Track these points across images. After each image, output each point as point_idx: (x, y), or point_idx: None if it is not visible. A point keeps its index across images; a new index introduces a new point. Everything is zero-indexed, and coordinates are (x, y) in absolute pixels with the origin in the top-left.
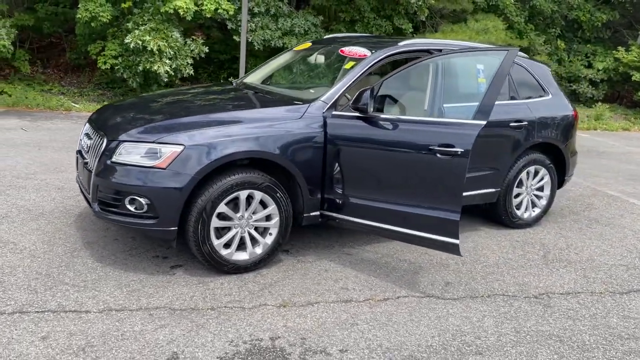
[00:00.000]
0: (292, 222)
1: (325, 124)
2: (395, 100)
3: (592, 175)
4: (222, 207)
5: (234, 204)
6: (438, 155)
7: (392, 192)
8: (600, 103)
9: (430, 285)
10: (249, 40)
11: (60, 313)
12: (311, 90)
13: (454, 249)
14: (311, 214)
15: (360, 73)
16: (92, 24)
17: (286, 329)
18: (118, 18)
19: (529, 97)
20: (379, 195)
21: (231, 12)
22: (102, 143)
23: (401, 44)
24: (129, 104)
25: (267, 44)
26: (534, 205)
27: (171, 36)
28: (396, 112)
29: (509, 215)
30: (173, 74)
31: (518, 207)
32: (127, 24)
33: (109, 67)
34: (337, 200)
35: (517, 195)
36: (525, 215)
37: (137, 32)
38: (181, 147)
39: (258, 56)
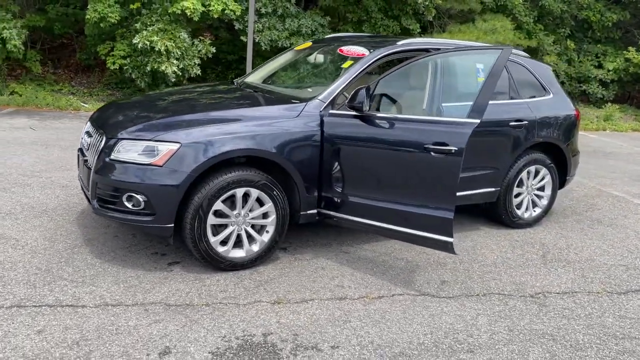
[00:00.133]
0: (289, 220)
1: (322, 123)
2: (392, 99)
3: (598, 175)
4: (218, 205)
5: (231, 202)
6: (432, 153)
7: (387, 190)
8: (610, 103)
9: (426, 283)
10: (256, 40)
11: (57, 307)
12: (309, 89)
13: (448, 247)
14: (308, 212)
15: (358, 72)
16: (101, 25)
17: (279, 325)
18: (127, 19)
19: (530, 97)
20: (375, 193)
21: (238, 13)
22: (102, 141)
23: (400, 43)
24: (130, 102)
25: (274, 44)
26: (534, 205)
27: (179, 37)
28: (394, 110)
29: (509, 214)
30: (180, 74)
31: (518, 206)
32: (136, 25)
33: (117, 68)
34: (334, 199)
35: (518, 195)
36: (526, 215)
37: (145, 32)
38: (177, 145)
39: (265, 56)
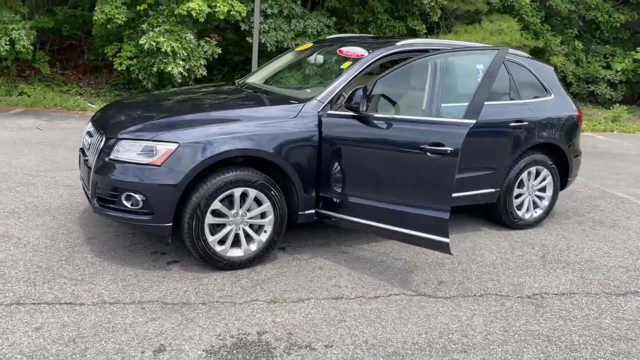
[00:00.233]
0: (288, 220)
1: (320, 123)
2: (390, 100)
3: (603, 177)
4: (216, 204)
5: (229, 202)
6: (428, 154)
7: (384, 190)
8: (618, 104)
9: (423, 283)
10: (262, 41)
11: (55, 305)
12: (307, 90)
13: (444, 248)
14: (306, 212)
15: (357, 73)
16: (108, 26)
17: (274, 324)
18: (134, 20)
19: (530, 97)
20: (372, 193)
21: (244, 14)
22: (101, 140)
23: (399, 44)
24: (129, 102)
25: (279, 45)
26: (535, 206)
27: (185, 38)
28: (392, 111)
29: (510, 215)
30: (186, 75)
31: (519, 207)
32: (142, 26)
33: (124, 69)
34: (332, 199)
35: (518, 196)
36: (527, 216)
37: (151, 33)
38: (175, 145)
39: (271, 57)
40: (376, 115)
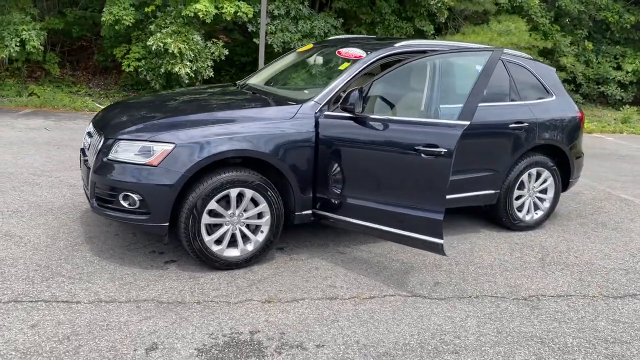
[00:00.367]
0: (285, 220)
1: (317, 124)
2: (386, 101)
3: (609, 178)
4: (212, 205)
5: (226, 202)
6: (422, 155)
7: (380, 191)
8: (628, 106)
9: (419, 285)
10: (269, 42)
11: (52, 303)
12: (305, 91)
13: (438, 249)
14: (303, 212)
15: (355, 74)
16: (116, 27)
17: (267, 323)
18: (142, 21)
19: (531, 98)
20: (368, 194)
21: (250, 15)
22: (100, 141)
23: (397, 45)
24: (129, 103)
25: (286, 46)
26: (536, 207)
27: (192, 39)
28: (388, 112)
29: (510, 217)
30: (193, 75)
31: (519, 209)
32: (150, 27)
33: (133, 70)
34: (329, 200)
35: (519, 198)
36: (527, 218)
37: (159, 34)
38: (172, 145)
39: None
40: (371, 116)
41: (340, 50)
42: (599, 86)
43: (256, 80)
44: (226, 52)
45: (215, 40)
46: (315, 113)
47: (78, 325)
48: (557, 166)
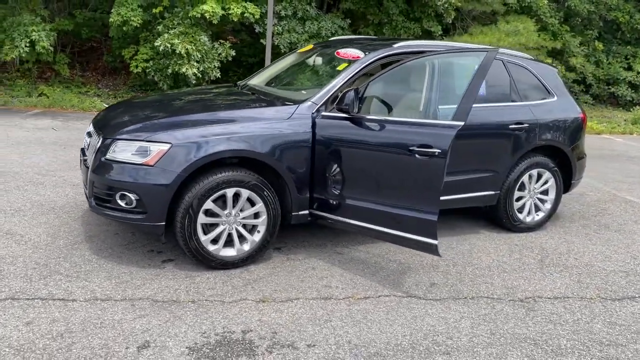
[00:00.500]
0: (281, 220)
1: (314, 124)
2: (382, 101)
3: (615, 180)
4: (209, 204)
5: (223, 202)
6: (417, 155)
7: (375, 192)
8: (638, 107)
9: (414, 285)
10: (275, 43)
11: (48, 301)
12: (303, 92)
13: (432, 249)
14: (300, 212)
15: (352, 74)
16: (124, 28)
17: (260, 323)
18: (150, 22)
19: (532, 99)
20: (364, 195)
21: (257, 16)
22: (99, 141)
23: (396, 45)
24: (129, 104)
25: (293, 46)
26: (537, 209)
27: (199, 40)
28: (384, 113)
29: (510, 218)
30: (201, 76)
31: (520, 210)
32: (158, 28)
33: (141, 70)
34: (326, 200)
35: (519, 199)
36: (528, 219)
37: (166, 35)
38: (168, 145)
39: None
40: (366, 117)
41: (339, 50)
42: (610, 87)
43: (257, 80)
44: (233, 52)
45: (222, 41)
46: (312, 113)
47: (72, 323)
48: (558, 167)
